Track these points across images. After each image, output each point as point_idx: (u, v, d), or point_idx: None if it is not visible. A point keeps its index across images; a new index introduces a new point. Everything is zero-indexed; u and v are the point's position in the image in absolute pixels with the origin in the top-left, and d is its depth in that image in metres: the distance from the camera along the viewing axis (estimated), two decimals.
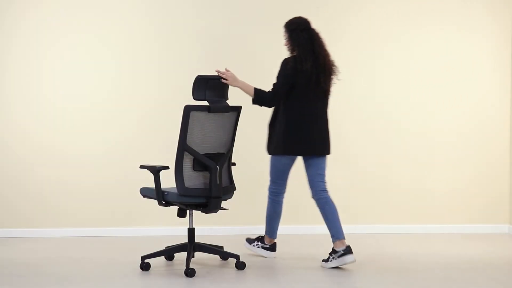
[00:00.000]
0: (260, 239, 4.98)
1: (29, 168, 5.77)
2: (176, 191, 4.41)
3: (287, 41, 4.70)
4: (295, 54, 4.64)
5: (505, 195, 5.85)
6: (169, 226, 5.73)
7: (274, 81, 4.65)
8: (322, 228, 5.82)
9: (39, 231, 5.77)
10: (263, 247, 4.95)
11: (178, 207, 4.56)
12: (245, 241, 5.05)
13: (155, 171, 4.43)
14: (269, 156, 4.83)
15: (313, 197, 4.77)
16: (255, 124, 5.80)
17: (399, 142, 5.83)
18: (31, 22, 5.74)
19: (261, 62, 5.81)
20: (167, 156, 5.36)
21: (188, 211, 4.60)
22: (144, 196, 4.62)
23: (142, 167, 4.61)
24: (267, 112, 5.80)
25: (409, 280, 4.22)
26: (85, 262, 4.80)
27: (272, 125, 4.79)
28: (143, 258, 4.55)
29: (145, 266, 4.53)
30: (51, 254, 5.08)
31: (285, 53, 5.79)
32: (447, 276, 4.33)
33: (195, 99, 4.45)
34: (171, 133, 5.67)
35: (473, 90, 5.83)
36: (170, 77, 5.80)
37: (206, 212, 4.51)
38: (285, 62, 4.63)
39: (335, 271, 4.46)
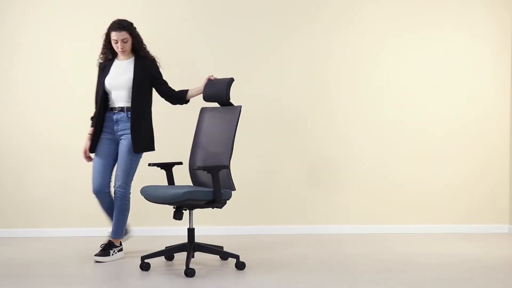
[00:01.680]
0: (110, 245, 4.87)
1: (30, 168, 5.78)
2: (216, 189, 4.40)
3: (137, 41, 4.86)
4: (143, 53, 4.90)
5: (505, 195, 5.85)
6: (169, 226, 5.74)
7: (165, 79, 4.98)
8: (322, 229, 5.85)
9: (39, 231, 5.78)
10: (119, 250, 4.92)
11: (175, 209, 4.52)
12: (98, 257, 4.81)
13: (216, 171, 4.34)
14: (133, 156, 4.82)
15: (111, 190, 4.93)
16: (255, 124, 5.81)
17: (398, 143, 5.83)
18: (34, 20, 5.76)
19: (261, 62, 5.81)
20: (169, 154, 5.37)
21: (189, 211, 4.61)
22: (187, 200, 4.29)
23: (199, 168, 4.37)
24: (266, 113, 5.81)
25: (409, 280, 4.22)
26: (85, 262, 4.80)
27: (135, 125, 4.78)
28: (143, 258, 4.55)
29: (145, 266, 4.53)
30: (51, 254, 5.08)
31: (291, 53, 5.81)
32: (447, 276, 4.33)
33: (229, 99, 4.68)
34: (171, 132, 5.69)
35: (473, 90, 5.83)
36: (170, 77, 5.79)
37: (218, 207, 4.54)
38: (156, 61, 4.94)
39: (335, 271, 4.46)
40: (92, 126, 4.90)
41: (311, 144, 5.83)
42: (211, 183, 4.41)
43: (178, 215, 4.45)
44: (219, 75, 5.45)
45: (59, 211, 5.79)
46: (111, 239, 4.89)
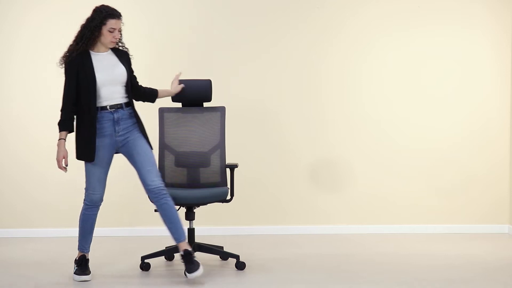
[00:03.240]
0: (190, 253, 4.25)
1: (30, 168, 5.78)
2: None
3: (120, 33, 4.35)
4: (118, 44, 4.40)
5: (506, 196, 5.84)
6: None
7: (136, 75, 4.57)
8: (322, 229, 5.84)
9: (40, 231, 5.77)
10: None
11: (186, 209, 4.58)
12: (195, 273, 4.18)
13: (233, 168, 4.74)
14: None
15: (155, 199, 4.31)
16: (255, 125, 5.81)
17: (399, 143, 5.83)
18: (33, 22, 5.75)
19: (261, 62, 5.80)
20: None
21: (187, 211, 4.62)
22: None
23: (227, 166, 4.68)
24: (268, 114, 5.81)
25: (409, 280, 4.21)
26: None
27: (140, 120, 4.42)
28: (143, 258, 4.55)
29: (145, 266, 4.53)
30: (51, 254, 5.08)
31: (290, 57, 5.81)
32: (447, 276, 4.33)
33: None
34: None
35: (473, 91, 5.82)
36: (169, 75, 5.79)
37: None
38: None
39: (336, 271, 4.46)
40: (65, 130, 4.26)
41: (311, 144, 5.83)
42: (181, 183, 4.70)
43: (192, 215, 4.55)
44: (214, 73, 5.45)
45: (59, 211, 5.78)
46: (185, 244, 4.26)
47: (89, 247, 4.44)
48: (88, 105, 4.22)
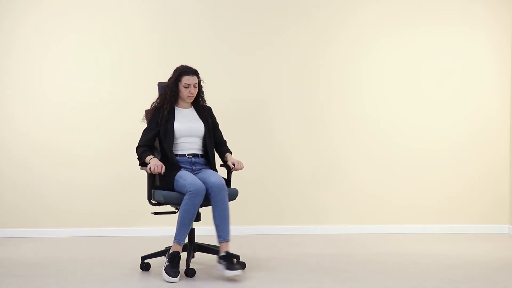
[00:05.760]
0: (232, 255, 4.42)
1: (30, 168, 5.78)
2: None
3: (200, 88, 4.71)
4: (201, 101, 4.74)
5: (506, 196, 5.85)
6: (169, 226, 5.72)
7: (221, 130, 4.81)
8: (322, 229, 5.85)
9: (40, 231, 5.77)
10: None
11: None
12: (235, 271, 4.30)
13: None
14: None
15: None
16: (255, 125, 5.81)
17: (399, 143, 5.83)
18: (32, 22, 5.75)
19: (261, 62, 5.81)
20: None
21: None
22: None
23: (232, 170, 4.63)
24: (267, 114, 5.81)
25: (409, 280, 4.22)
26: (86, 262, 4.80)
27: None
28: (143, 258, 4.55)
29: (145, 266, 4.54)
30: (51, 254, 5.08)
31: (289, 56, 5.81)
32: (447, 276, 4.33)
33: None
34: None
35: (473, 91, 5.83)
36: (166, 74, 5.79)
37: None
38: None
39: (335, 271, 4.46)
40: (150, 155, 4.54)
41: (311, 144, 5.83)
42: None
43: (198, 216, 4.51)
44: (213, 73, 5.47)
45: (59, 211, 5.78)
46: (227, 245, 4.42)
47: (185, 238, 4.40)
48: (168, 151, 4.55)
